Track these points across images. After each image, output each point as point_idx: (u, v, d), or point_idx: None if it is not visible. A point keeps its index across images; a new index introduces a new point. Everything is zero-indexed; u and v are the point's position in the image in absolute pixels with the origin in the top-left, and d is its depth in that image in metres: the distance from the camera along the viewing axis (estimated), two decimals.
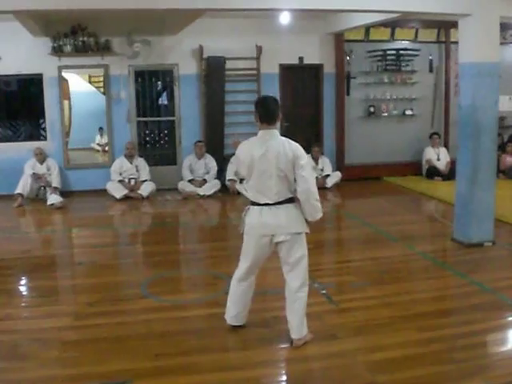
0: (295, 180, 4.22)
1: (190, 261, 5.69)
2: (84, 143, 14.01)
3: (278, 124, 4.54)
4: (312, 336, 4.42)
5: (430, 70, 12.32)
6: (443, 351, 4.16)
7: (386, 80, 12.05)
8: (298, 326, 4.35)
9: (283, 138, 4.34)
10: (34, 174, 10.05)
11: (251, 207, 4.35)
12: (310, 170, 4.46)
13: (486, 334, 4.51)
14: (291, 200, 4.29)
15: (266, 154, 4.19)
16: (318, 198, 4.29)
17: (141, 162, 10.66)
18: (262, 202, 4.26)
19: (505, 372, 3.88)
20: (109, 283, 5.86)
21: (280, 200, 4.24)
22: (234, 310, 4.60)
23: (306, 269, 4.43)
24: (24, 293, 5.86)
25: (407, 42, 12.06)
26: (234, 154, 4.60)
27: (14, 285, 5.95)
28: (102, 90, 12.20)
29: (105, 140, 12.72)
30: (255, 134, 4.36)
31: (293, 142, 4.31)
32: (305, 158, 4.26)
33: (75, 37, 10.32)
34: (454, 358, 4.03)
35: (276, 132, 4.34)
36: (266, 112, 4.36)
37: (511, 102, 12.82)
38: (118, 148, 10.87)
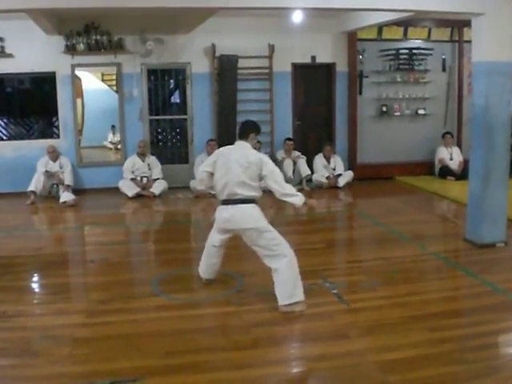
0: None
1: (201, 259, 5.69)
2: (96, 141, 14.05)
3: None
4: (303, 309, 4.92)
5: (443, 69, 12.26)
6: (455, 352, 4.15)
7: (398, 79, 12.01)
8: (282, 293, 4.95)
9: None
10: (46, 171, 10.09)
11: None
12: None
13: (498, 334, 4.49)
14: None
15: None
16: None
17: (153, 160, 10.68)
18: None
19: None
20: (120, 281, 5.88)
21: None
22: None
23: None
24: (36, 290, 5.89)
25: (420, 41, 12.02)
26: None
27: (26, 282, 5.98)
28: (114, 88, 12.25)
29: (117, 138, 12.76)
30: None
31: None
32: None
33: (88, 35, 10.36)
34: (466, 359, 4.01)
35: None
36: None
37: None
38: (131, 146, 10.91)
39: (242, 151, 5.12)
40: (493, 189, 6.78)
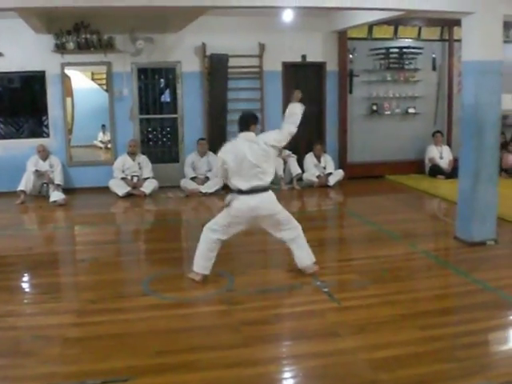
0: None
1: (192, 258, 5.68)
2: (87, 140, 14.00)
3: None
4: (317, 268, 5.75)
5: (433, 68, 12.30)
6: (445, 349, 4.16)
7: (388, 78, 12.04)
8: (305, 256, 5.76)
9: None
10: (36, 170, 10.06)
11: None
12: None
13: (489, 332, 4.50)
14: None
15: None
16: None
17: (143, 159, 10.67)
18: None
19: (507, 371, 3.87)
20: (111, 280, 5.87)
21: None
22: None
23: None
24: (26, 290, 5.86)
25: (410, 40, 12.05)
26: None
27: (16, 282, 5.95)
28: (104, 87, 12.22)
29: (107, 137, 12.71)
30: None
31: None
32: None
33: (78, 34, 10.32)
34: (457, 357, 4.03)
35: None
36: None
37: None
38: (121, 145, 10.88)
39: (250, 142, 5.42)
40: (483, 187, 6.80)
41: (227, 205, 5.56)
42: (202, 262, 5.62)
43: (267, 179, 5.48)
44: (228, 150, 5.46)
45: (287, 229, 5.66)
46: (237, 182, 5.44)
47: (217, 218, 5.66)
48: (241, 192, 5.43)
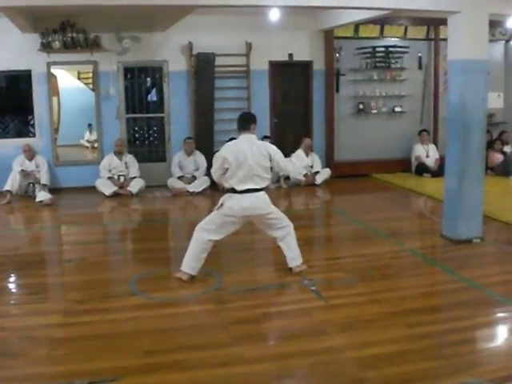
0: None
1: (180, 258, 5.66)
2: (73, 140, 13.93)
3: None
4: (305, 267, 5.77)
5: (419, 67, 12.36)
6: (432, 347, 4.19)
7: (375, 77, 12.08)
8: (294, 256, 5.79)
9: None
10: (22, 170, 10.00)
11: None
12: None
13: (475, 329, 4.53)
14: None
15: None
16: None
17: (130, 158, 10.64)
18: None
19: (493, 368, 3.90)
20: (98, 280, 5.84)
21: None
22: None
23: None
24: (13, 290, 5.82)
25: (396, 39, 12.10)
26: None
27: (2, 282, 5.89)
28: (91, 86, 12.16)
29: (94, 137, 12.67)
30: None
31: None
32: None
33: (64, 33, 10.25)
34: (444, 354, 4.05)
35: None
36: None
37: (500, 99, 12.96)
38: (107, 145, 10.84)
39: (251, 144, 5.49)
40: (469, 185, 6.84)
41: (219, 206, 5.53)
42: (192, 262, 5.60)
43: (262, 184, 5.52)
44: (231, 150, 5.48)
45: (280, 228, 5.70)
46: (233, 183, 5.44)
47: (209, 217, 5.65)
48: (234, 191, 5.44)
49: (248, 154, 5.37)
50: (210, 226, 5.57)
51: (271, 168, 5.57)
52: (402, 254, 6.66)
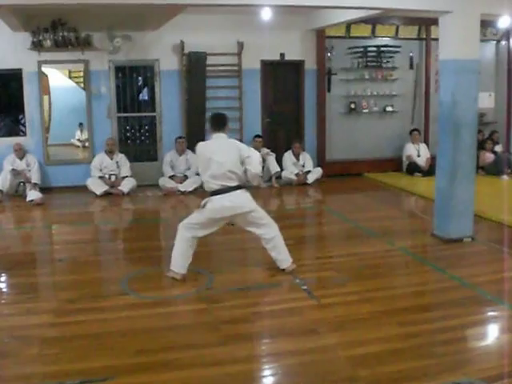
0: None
1: (171, 257, 5.67)
2: (64, 139, 13.83)
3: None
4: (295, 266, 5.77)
5: (411, 67, 12.39)
6: (423, 346, 4.20)
7: (366, 76, 12.10)
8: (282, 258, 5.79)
9: None
10: (13, 169, 9.96)
11: None
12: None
13: (466, 328, 4.54)
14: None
15: None
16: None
17: (121, 158, 10.61)
18: None
19: (484, 366, 3.91)
20: (89, 280, 5.82)
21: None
22: None
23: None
24: (4, 290, 5.79)
25: (388, 38, 12.13)
26: None
27: None
28: (82, 85, 12.10)
29: (85, 136, 12.62)
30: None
31: None
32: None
33: (55, 31, 10.21)
34: (435, 353, 4.07)
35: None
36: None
37: (491, 98, 13.02)
38: (99, 144, 10.81)
39: (224, 143, 5.59)
40: (459, 185, 6.87)
41: (202, 207, 5.58)
42: (180, 261, 5.61)
43: (236, 181, 5.52)
44: (203, 149, 5.61)
45: (263, 224, 5.69)
46: (209, 181, 5.52)
47: (192, 216, 5.69)
48: (214, 193, 5.50)
49: (218, 152, 5.45)
50: (192, 224, 5.61)
51: (263, 167, 5.59)
52: (393, 253, 6.68)
